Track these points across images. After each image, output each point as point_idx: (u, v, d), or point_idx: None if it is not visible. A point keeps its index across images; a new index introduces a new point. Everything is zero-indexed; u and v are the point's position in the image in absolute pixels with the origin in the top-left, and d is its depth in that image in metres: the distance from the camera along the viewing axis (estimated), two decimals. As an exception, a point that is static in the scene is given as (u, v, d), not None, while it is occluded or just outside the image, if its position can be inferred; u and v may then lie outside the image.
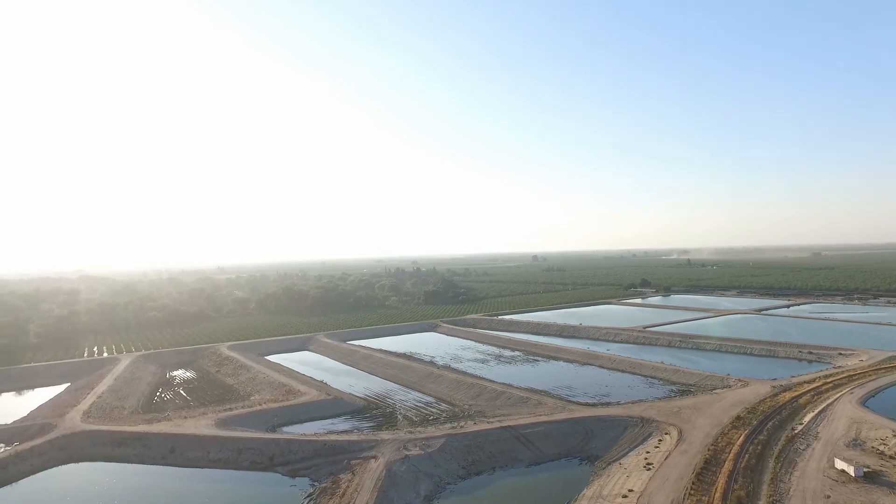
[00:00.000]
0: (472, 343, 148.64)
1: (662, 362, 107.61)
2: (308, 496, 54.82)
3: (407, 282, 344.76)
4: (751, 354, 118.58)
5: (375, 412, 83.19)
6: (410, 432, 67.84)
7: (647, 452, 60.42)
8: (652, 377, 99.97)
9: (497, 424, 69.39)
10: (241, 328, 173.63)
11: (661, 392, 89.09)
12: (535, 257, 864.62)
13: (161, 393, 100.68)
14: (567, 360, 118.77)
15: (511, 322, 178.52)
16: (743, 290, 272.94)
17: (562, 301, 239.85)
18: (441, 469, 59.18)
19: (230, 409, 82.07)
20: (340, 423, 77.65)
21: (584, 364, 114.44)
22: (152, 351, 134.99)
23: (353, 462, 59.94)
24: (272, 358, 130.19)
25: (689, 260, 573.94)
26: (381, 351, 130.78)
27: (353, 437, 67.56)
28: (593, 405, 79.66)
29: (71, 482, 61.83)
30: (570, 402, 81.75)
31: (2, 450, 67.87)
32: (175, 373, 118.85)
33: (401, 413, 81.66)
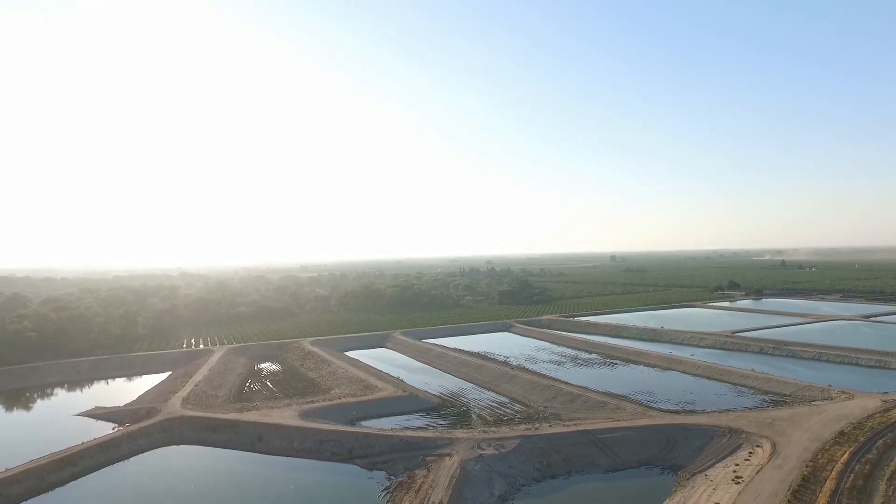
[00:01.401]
0: (547, 344, 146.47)
1: (753, 370, 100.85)
2: (385, 489, 56.37)
3: (481, 281, 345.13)
4: (856, 365, 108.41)
5: (450, 410, 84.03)
6: (485, 432, 67.96)
7: (736, 465, 56.90)
8: (741, 385, 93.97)
9: (573, 428, 67.99)
10: (322, 324, 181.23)
11: (751, 401, 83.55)
12: (613, 258, 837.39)
13: (250, 384, 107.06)
14: (647, 365, 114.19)
15: (588, 324, 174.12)
16: (847, 294, 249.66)
17: (642, 303, 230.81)
18: (515, 470, 58.83)
19: (312, 402, 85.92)
20: (416, 420, 79.12)
21: (666, 369, 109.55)
22: (242, 344, 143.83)
23: (428, 459, 60.91)
24: (351, 354, 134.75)
25: (783, 261, 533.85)
26: (455, 350, 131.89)
27: (429, 434, 68.62)
28: (676, 412, 76.06)
29: (173, 462, 67.29)
30: (650, 407, 78.56)
31: (116, 429, 75.22)
32: (263, 365, 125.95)
33: (475, 412, 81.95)
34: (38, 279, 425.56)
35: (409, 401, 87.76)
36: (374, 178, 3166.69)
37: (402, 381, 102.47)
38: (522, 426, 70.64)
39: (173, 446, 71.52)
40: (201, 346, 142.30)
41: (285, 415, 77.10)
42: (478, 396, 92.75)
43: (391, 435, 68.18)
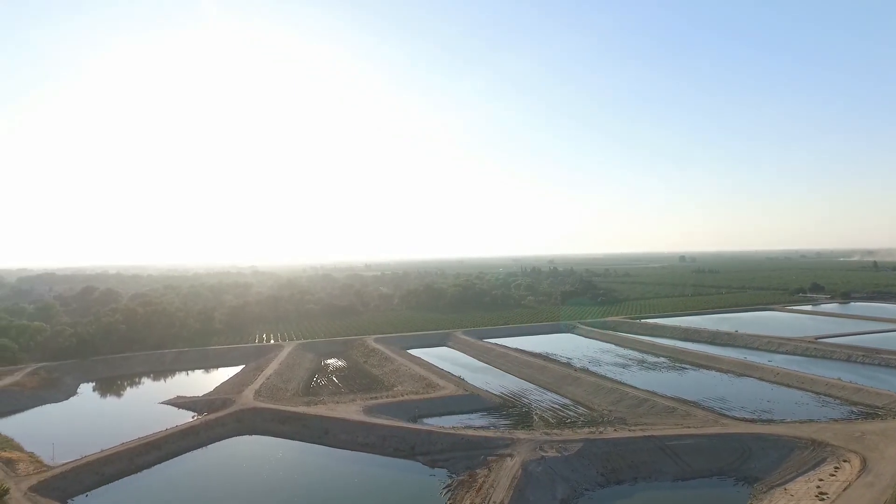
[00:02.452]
0: (612, 346, 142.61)
1: (840, 379, 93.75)
2: (446, 487, 56.85)
3: (543, 281, 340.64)
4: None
5: (511, 410, 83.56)
6: (546, 433, 67.11)
7: (820, 480, 53.15)
8: (826, 395, 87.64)
9: (640, 433, 65.87)
10: (385, 322, 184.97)
11: (837, 413, 77.76)
12: (682, 258, 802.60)
13: (317, 379, 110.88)
14: (720, 370, 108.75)
15: (655, 326, 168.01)
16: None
17: (714, 305, 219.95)
18: (578, 474, 57.71)
19: (376, 398, 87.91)
20: (477, 419, 79.26)
21: (741, 375, 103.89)
22: (310, 340, 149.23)
23: (489, 458, 60.88)
24: (413, 352, 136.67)
25: (875, 262, 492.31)
26: (516, 350, 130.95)
27: (490, 433, 68.56)
28: (752, 421, 71.98)
29: (246, 451, 70.89)
30: (723, 415, 74.79)
31: (195, 418, 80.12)
32: (329, 361, 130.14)
33: (536, 413, 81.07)
34: (128, 276, 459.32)
35: (470, 400, 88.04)
36: (435, 179, 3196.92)
37: (463, 380, 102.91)
38: (586, 429, 69.19)
39: (246, 436, 75.28)
40: (272, 342, 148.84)
41: (350, 410, 79.32)
42: (539, 398, 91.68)
43: (452, 433, 68.64)
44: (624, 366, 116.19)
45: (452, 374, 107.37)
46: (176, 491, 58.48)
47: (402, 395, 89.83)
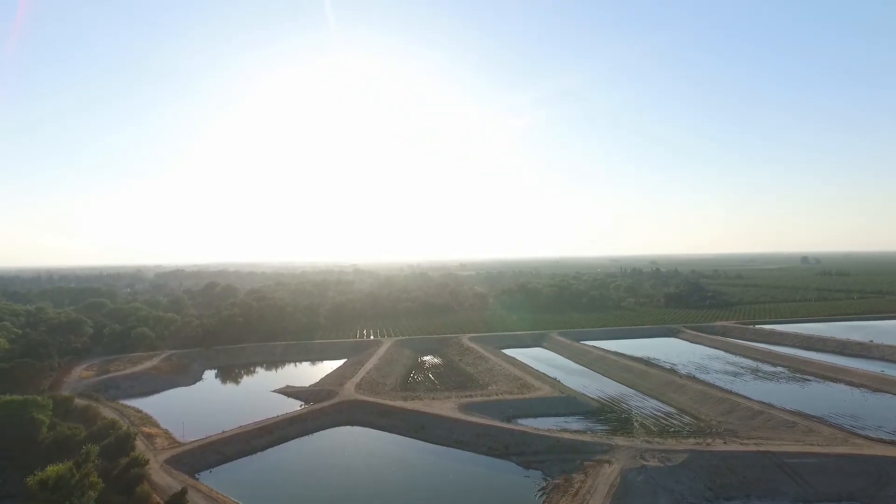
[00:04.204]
0: (722, 353, 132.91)
1: None
2: (541, 489, 56.11)
3: (645, 283, 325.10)
4: None
5: (609, 416, 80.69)
6: (648, 441, 64.07)
7: (978, 515, 46.10)
8: None
9: (754, 448, 60.90)
10: (479, 321, 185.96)
11: None
12: (804, 258, 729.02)
13: (414, 374, 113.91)
14: (850, 384, 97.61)
15: (772, 332, 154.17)
16: None
17: (842, 311, 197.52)
18: (683, 486, 54.48)
19: (470, 396, 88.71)
20: (573, 423, 77.40)
21: (877, 391, 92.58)
22: (407, 337, 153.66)
23: (586, 463, 59.27)
24: (507, 351, 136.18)
25: None
26: (615, 353, 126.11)
27: (586, 437, 66.69)
28: (891, 443, 63.93)
29: (348, 440, 74.55)
30: (854, 434, 67.10)
31: (303, 407, 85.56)
32: (425, 358, 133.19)
33: (637, 420, 77.62)
34: (245, 273, 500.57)
35: (565, 402, 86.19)
36: (524, 178, 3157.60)
37: (558, 381, 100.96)
38: (692, 440, 65.19)
39: (348, 427, 79.11)
40: (371, 337, 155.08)
41: (446, 406, 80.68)
42: (640, 404, 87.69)
43: (548, 435, 67.61)
44: (735, 374, 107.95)
45: (548, 376, 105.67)
46: (286, 474, 62.81)
47: (497, 395, 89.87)
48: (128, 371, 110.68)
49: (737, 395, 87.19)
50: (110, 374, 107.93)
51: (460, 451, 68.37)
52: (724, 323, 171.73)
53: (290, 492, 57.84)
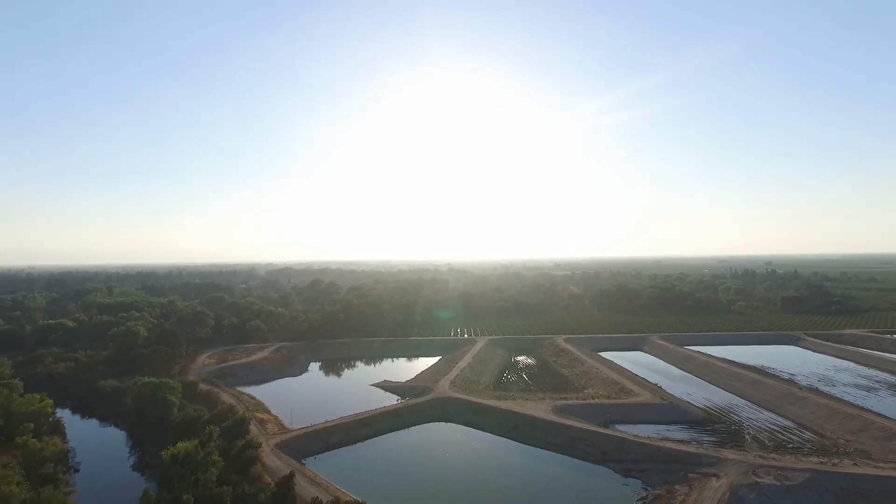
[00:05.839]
0: (851, 364, 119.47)
1: None
2: (640, 499, 53.78)
3: (758, 285, 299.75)
4: None
5: (717, 426, 75.49)
6: (762, 457, 59.16)
7: None
8: None
9: (892, 472, 54.23)
10: (575, 322, 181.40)
11: None
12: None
13: (507, 374, 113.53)
14: None
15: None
16: None
17: None
18: (803, 509, 49.73)
19: (566, 399, 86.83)
20: (675, 431, 73.34)
21: None
22: (500, 336, 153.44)
23: (690, 475, 55.94)
24: (604, 354, 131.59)
25: None
26: (724, 360, 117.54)
27: (691, 448, 62.91)
28: None
29: (442, 436, 75.89)
30: None
31: (399, 401, 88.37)
32: (518, 358, 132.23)
33: (748, 433, 71.96)
34: (346, 271, 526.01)
35: (667, 409, 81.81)
36: (627, 177, 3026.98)
37: (659, 387, 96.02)
38: (814, 458, 59.34)
39: (441, 423, 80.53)
40: (465, 336, 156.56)
41: (540, 408, 79.64)
42: (752, 415, 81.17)
43: (648, 443, 64.60)
44: (868, 388, 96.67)
45: (648, 381, 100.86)
46: (383, 465, 65.26)
47: (593, 398, 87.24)
48: (243, 361, 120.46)
49: (870, 411, 78.01)
50: (228, 363, 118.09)
51: (554, 453, 67.21)
52: (855, 331, 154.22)
53: (387, 482, 59.93)
